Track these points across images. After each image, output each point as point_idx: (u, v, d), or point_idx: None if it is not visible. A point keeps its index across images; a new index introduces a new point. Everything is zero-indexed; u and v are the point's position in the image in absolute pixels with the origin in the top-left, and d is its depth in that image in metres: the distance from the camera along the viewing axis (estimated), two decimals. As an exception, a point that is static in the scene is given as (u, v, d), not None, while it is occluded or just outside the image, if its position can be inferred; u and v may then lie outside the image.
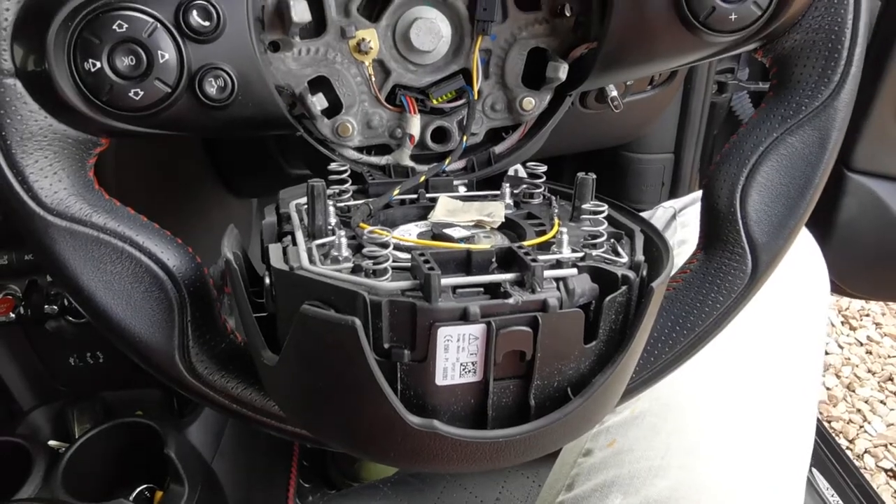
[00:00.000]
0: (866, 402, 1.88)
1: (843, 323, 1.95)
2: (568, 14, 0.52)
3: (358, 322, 0.33)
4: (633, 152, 1.19)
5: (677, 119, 1.16)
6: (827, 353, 1.92)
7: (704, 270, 0.49)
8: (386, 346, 0.35)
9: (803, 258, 0.72)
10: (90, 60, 0.39)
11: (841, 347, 1.94)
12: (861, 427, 1.82)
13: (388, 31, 0.51)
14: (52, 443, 0.98)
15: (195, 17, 0.40)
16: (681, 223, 0.76)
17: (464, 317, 0.34)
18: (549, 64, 0.51)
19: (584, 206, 0.44)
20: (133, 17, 0.39)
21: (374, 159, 0.53)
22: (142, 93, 0.40)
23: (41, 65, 0.38)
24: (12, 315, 0.79)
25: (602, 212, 0.43)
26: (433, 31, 0.51)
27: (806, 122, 0.47)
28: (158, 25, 0.40)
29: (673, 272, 0.51)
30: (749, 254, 0.48)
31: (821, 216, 1.15)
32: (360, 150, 0.53)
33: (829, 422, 1.83)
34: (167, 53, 0.40)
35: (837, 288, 1.21)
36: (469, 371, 0.36)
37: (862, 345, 1.96)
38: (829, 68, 0.46)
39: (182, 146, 0.86)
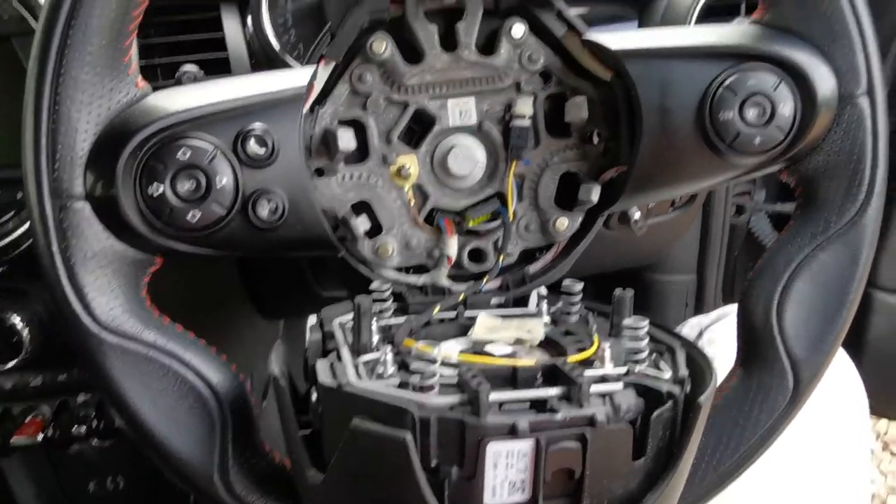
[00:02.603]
0: (915, 534, 1.77)
1: (883, 448, 1.87)
2: (596, 141, 0.55)
3: (409, 437, 0.33)
4: (655, 273, 1.21)
5: (698, 240, 1.18)
6: (870, 482, 1.83)
7: (745, 388, 0.49)
8: (433, 462, 0.35)
9: (840, 376, 0.71)
10: (155, 184, 0.41)
11: (884, 475, 1.85)
12: (912, 563, 1.70)
13: (427, 157, 0.54)
14: (65, 574, 0.94)
15: (252, 145, 0.43)
16: (707, 340, 0.76)
17: (513, 431, 0.34)
18: (582, 187, 0.53)
19: (624, 322, 0.45)
20: (196, 146, 0.42)
21: (413, 279, 0.55)
22: (199, 214, 0.42)
23: (109, 190, 0.41)
24: (38, 438, 0.79)
25: (643, 327, 0.43)
26: (470, 158, 0.53)
27: (835, 238, 0.48)
28: (218, 152, 0.42)
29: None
30: (790, 370, 0.48)
31: (851, 335, 1.14)
32: (398, 270, 0.55)
33: (877, 556, 1.71)
34: (225, 178, 0.43)
35: (873, 409, 1.18)
36: (518, 489, 0.35)
37: (904, 472, 1.87)
38: (853, 188, 0.47)
39: (217, 266, 0.88)
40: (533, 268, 0.56)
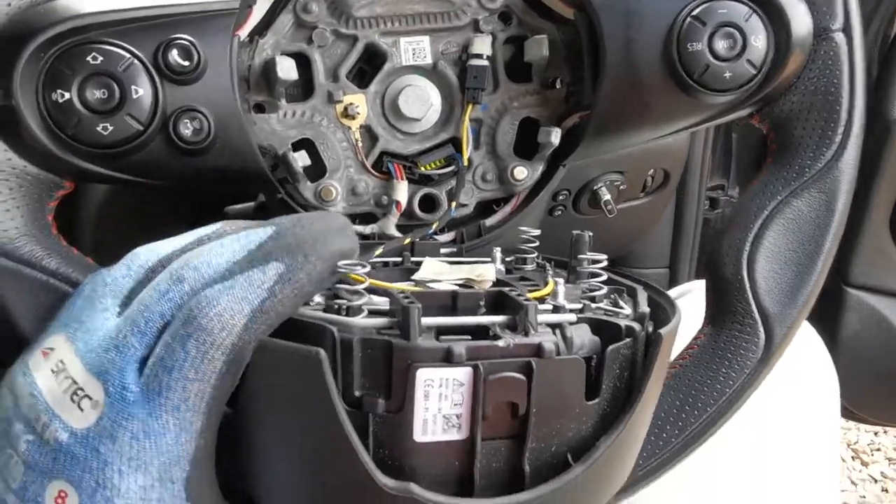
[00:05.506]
0: (888, 546, 1.74)
1: (853, 458, 1.85)
2: (559, 86, 0.52)
3: (322, 353, 0.28)
4: (627, 267, 1.18)
5: (671, 233, 1.16)
6: (841, 490, 1.81)
7: (713, 345, 0.45)
8: (357, 393, 0.31)
9: (812, 360, 0.68)
10: (59, 91, 0.37)
11: (854, 484, 1.82)
12: (885, 576, 1.67)
13: (377, 98, 0.50)
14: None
15: (174, 56, 0.39)
16: None
17: (447, 358, 0.30)
18: (541, 129, 0.50)
19: (580, 258, 0.41)
20: (109, 52, 0.38)
21: (359, 228, 0.51)
22: (111, 128, 0.38)
23: (7, 97, 0.37)
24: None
25: (601, 262, 0.40)
26: (423, 100, 0.50)
27: (811, 184, 0.44)
28: (135, 61, 0.38)
29: (678, 351, 0.47)
30: (761, 325, 0.44)
31: (824, 334, 1.11)
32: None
33: (849, 569, 1.68)
34: (142, 90, 0.38)
35: (850, 413, 1.15)
36: (453, 426, 0.31)
37: (876, 482, 1.85)
38: (829, 129, 0.44)
39: (172, 220, 0.84)
40: (490, 221, 0.52)
